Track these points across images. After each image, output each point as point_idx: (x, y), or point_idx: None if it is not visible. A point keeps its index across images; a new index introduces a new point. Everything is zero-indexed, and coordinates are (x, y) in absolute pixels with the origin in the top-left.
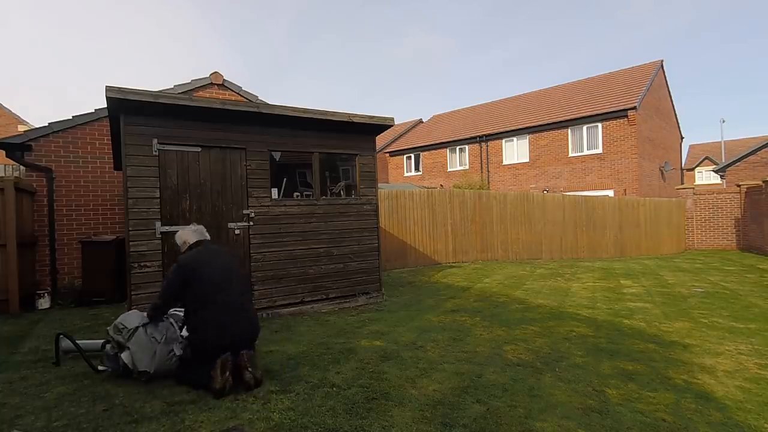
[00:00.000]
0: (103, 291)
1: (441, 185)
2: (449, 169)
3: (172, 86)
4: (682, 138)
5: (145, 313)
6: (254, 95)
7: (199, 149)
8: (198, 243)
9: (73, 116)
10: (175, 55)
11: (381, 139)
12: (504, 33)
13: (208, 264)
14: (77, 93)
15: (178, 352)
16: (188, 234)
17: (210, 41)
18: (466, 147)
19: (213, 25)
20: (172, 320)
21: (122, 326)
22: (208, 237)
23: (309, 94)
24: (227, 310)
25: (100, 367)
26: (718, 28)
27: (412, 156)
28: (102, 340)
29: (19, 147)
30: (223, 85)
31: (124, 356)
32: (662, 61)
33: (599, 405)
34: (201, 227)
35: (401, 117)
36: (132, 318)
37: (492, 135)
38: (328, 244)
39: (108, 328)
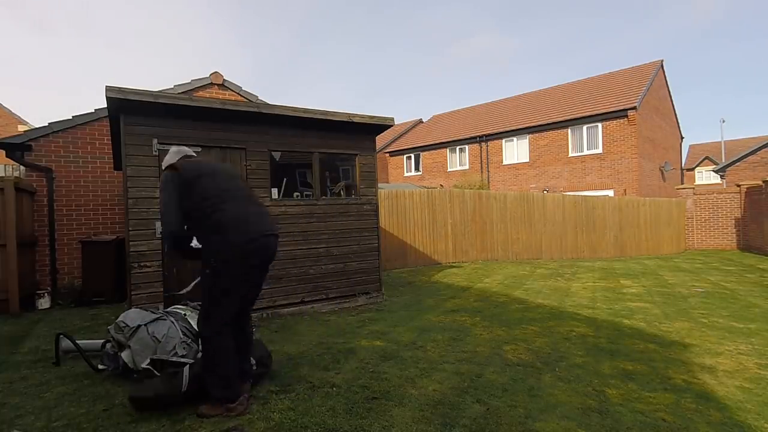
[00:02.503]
0: (103, 291)
1: (441, 185)
2: (449, 169)
3: (172, 86)
4: (682, 138)
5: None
6: (254, 95)
7: (199, 149)
8: (185, 157)
9: (73, 116)
10: (178, 55)
11: (381, 139)
12: (507, 33)
13: (208, 166)
14: (79, 92)
15: (180, 351)
16: (168, 157)
17: (224, 39)
18: (466, 147)
19: (228, 22)
20: (172, 319)
21: (123, 324)
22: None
23: (314, 97)
24: (248, 204)
25: (99, 366)
26: (719, 28)
27: (412, 156)
28: (102, 340)
29: (19, 147)
30: (223, 85)
31: (125, 355)
32: (662, 61)
33: (599, 405)
34: (184, 147)
35: (406, 116)
36: (133, 316)
37: (492, 135)
38: (328, 244)
39: (109, 327)
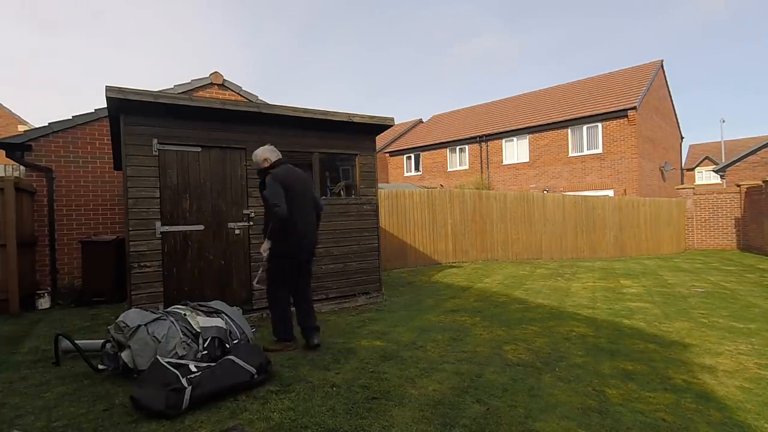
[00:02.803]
0: (103, 291)
1: (441, 185)
2: (449, 169)
3: (172, 86)
4: (682, 138)
5: (266, 236)
6: (254, 95)
7: (199, 149)
8: (280, 161)
9: (73, 116)
10: (178, 55)
11: (381, 139)
12: (509, 30)
13: (293, 182)
14: (79, 92)
15: (180, 352)
16: (268, 152)
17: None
18: (466, 147)
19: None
20: (172, 319)
21: (124, 324)
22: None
23: (314, 97)
24: (303, 225)
25: (99, 366)
26: (719, 28)
27: (412, 156)
28: (102, 340)
29: (19, 147)
30: (223, 85)
31: (125, 355)
32: (662, 61)
33: (599, 405)
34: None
35: (407, 117)
36: (133, 316)
37: (492, 135)
38: (328, 244)
39: (109, 327)
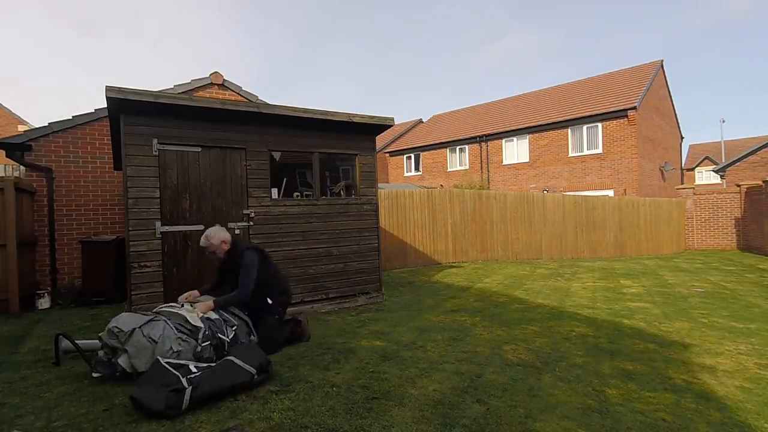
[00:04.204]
0: (103, 291)
1: (441, 185)
2: (449, 169)
3: (172, 86)
4: (682, 138)
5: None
6: (254, 95)
7: (199, 149)
8: (232, 237)
9: (73, 116)
10: (179, 55)
11: (381, 139)
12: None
13: (262, 250)
14: (79, 92)
15: (176, 348)
16: (222, 232)
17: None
18: (466, 147)
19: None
20: (165, 318)
21: (117, 330)
22: None
23: (316, 97)
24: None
25: (94, 374)
26: (719, 28)
27: (412, 156)
28: None
29: (19, 147)
30: (223, 85)
31: (122, 360)
32: (662, 61)
33: (599, 405)
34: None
35: (407, 117)
36: (126, 320)
37: (492, 135)
38: (328, 244)
39: (101, 334)
